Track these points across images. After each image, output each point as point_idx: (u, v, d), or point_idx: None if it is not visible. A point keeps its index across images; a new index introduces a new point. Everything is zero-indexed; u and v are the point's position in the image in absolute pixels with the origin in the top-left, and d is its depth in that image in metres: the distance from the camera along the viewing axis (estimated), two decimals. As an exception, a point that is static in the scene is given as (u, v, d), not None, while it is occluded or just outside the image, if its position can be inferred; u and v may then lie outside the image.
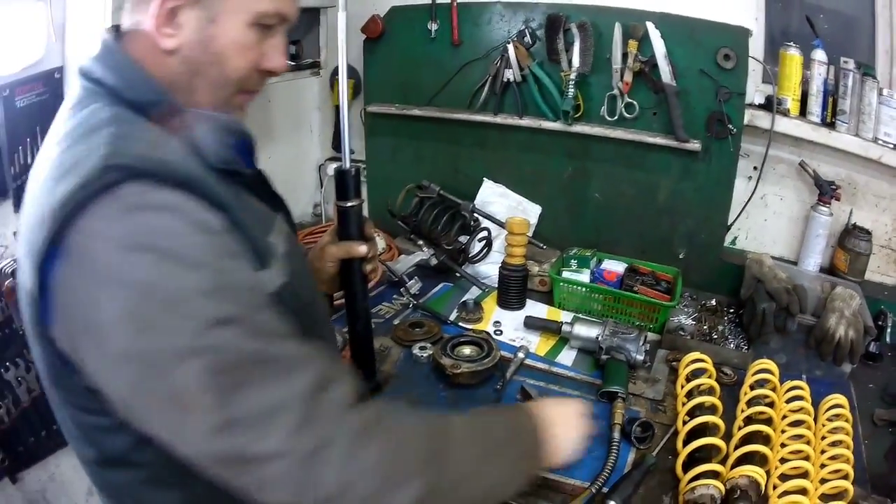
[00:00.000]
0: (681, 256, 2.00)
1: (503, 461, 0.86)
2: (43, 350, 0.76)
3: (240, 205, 0.81)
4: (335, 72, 2.54)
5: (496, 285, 1.92)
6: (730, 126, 1.81)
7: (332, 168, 2.64)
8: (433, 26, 2.14)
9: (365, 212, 2.70)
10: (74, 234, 0.67)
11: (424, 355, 1.60)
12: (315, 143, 2.75)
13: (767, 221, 2.05)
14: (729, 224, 1.97)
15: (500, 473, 0.85)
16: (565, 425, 0.96)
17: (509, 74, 2.03)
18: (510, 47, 2.00)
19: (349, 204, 1.12)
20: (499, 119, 2.09)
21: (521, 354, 1.60)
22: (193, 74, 0.83)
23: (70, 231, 0.67)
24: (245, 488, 0.69)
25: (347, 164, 1.12)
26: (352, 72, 2.46)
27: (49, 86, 1.62)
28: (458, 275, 2.01)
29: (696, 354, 1.47)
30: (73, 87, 0.85)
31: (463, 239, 2.06)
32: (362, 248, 1.12)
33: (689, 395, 1.38)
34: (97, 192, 0.68)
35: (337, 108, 2.59)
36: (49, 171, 0.74)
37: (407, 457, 0.75)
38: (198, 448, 0.69)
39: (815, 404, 1.36)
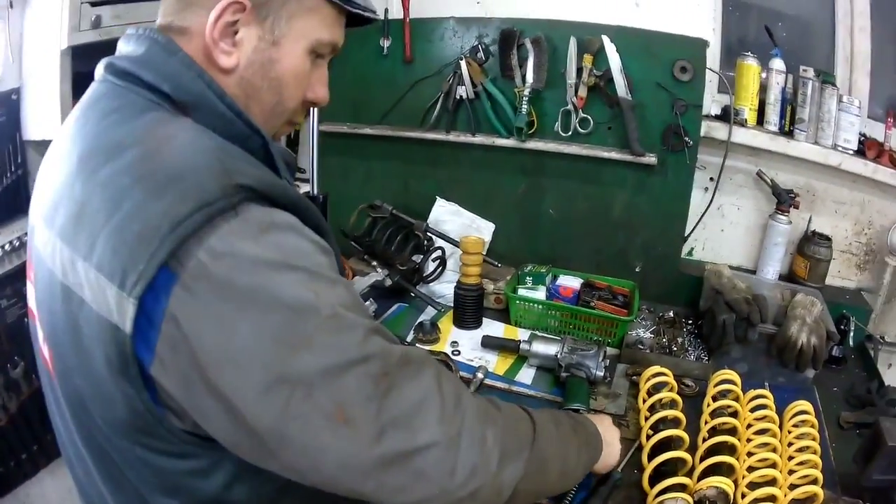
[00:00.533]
0: (637, 270, 2.03)
1: (574, 448, 1.03)
2: (124, 394, 0.67)
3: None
4: None
5: (452, 305, 1.91)
6: (686, 139, 1.85)
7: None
8: (385, 42, 2.14)
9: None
10: (201, 255, 0.63)
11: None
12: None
13: (725, 231, 2.10)
14: (686, 235, 2.01)
15: (572, 458, 1.02)
16: (612, 438, 1.19)
17: (462, 91, 2.04)
18: (463, 64, 2.01)
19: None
20: (451, 137, 2.10)
21: (479, 375, 1.59)
22: (249, 98, 0.81)
23: (193, 252, 0.63)
24: (397, 489, 0.72)
25: (315, 191, 1.08)
26: None
27: (6, 106, 1.59)
28: (413, 295, 2.00)
29: (656, 368, 1.48)
30: (112, 89, 0.78)
31: (417, 258, 2.06)
32: None
33: (652, 408, 1.39)
34: (223, 210, 0.65)
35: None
36: (120, 185, 0.67)
37: (515, 436, 0.87)
38: (359, 458, 0.69)
39: (780, 411, 1.37)
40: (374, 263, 2.06)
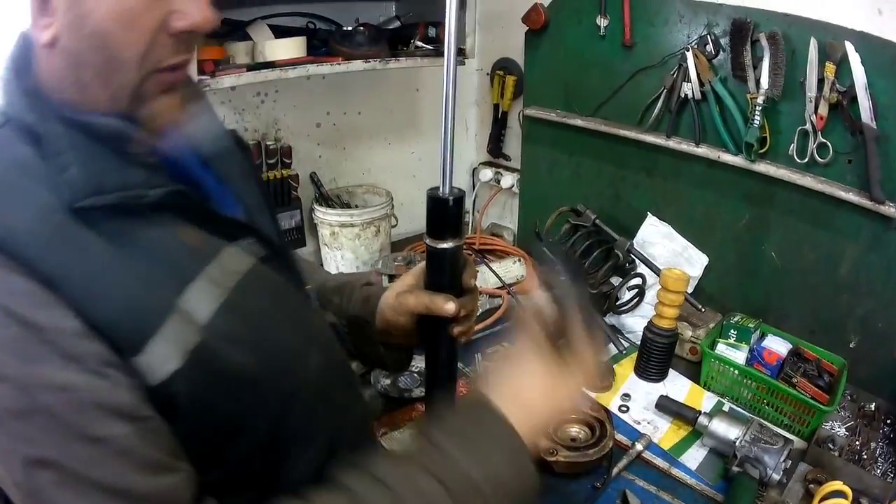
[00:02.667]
0: (852, 345, 1.92)
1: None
2: None
3: (123, 256, 0.77)
4: (498, 65, 2.69)
5: (637, 345, 1.97)
6: (942, 191, 1.69)
7: (485, 174, 2.84)
8: (602, 21, 2.19)
9: (512, 231, 2.88)
10: None
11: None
12: (470, 142, 2.94)
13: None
14: (917, 315, 1.86)
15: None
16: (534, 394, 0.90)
17: (687, 89, 2.03)
18: (689, 56, 1.99)
19: (443, 246, 0.98)
20: (672, 143, 2.10)
21: (639, 446, 1.64)
22: (77, 69, 0.78)
23: None
24: None
25: (447, 190, 0.98)
26: (513, 67, 2.61)
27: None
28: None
29: (837, 485, 1.43)
30: None
31: (614, 281, 2.14)
32: (449, 307, 1.02)
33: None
34: None
35: (496, 107, 2.75)
36: None
37: None
38: None
39: None
40: (563, 278, 2.18)
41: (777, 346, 1.90)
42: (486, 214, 2.95)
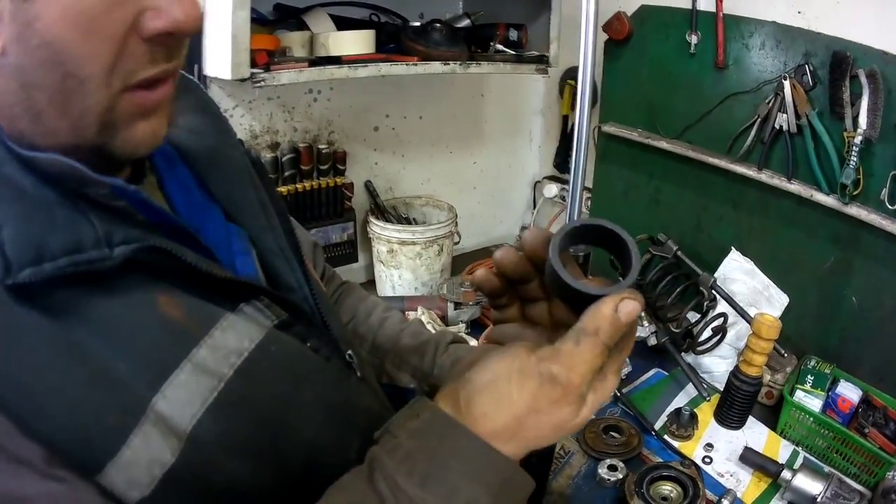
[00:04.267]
0: None
1: None
2: None
3: (72, 344, 0.65)
4: (568, 74, 2.81)
5: (717, 387, 2.10)
6: None
7: (550, 189, 2.96)
8: (693, 38, 2.31)
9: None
10: None
11: (612, 479, 1.75)
12: (534, 154, 3.08)
13: None
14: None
15: None
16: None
17: (782, 120, 2.12)
18: (787, 85, 2.09)
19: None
20: (763, 176, 2.21)
21: (726, 502, 1.74)
22: (27, 91, 0.65)
23: None
24: None
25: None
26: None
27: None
28: (678, 364, 2.21)
29: None
30: None
31: (692, 317, 2.28)
32: None
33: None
34: None
35: (565, 119, 2.87)
36: None
37: None
38: None
39: None
40: (642, 314, 2.34)
41: (850, 393, 2.05)
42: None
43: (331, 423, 0.87)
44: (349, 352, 1.00)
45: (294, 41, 1.96)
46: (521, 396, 0.71)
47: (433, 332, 1.33)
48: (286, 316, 0.86)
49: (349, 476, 0.74)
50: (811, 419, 1.99)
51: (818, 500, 1.72)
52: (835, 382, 2.09)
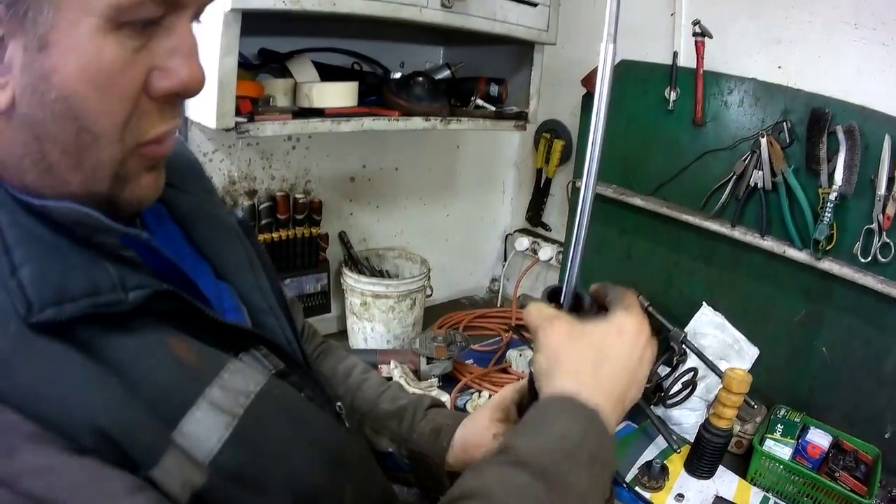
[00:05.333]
0: (887, 436, 2.11)
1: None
2: None
3: (101, 376, 0.67)
4: (543, 127, 2.86)
5: (687, 438, 2.13)
6: None
7: (521, 242, 2.98)
8: (672, 94, 2.35)
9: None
10: None
11: (588, 533, 1.84)
12: (506, 206, 3.12)
13: None
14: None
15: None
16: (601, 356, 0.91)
17: (757, 178, 2.17)
18: (763, 142, 2.13)
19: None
20: (736, 233, 2.25)
21: None
22: (40, 143, 0.68)
23: None
24: None
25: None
26: (562, 131, 2.77)
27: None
28: (647, 417, 2.17)
29: None
30: None
31: (661, 370, 2.28)
32: None
33: None
34: None
35: (539, 172, 2.91)
36: None
37: None
38: None
39: None
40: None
41: (820, 439, 2.10)
42: (520, 286, 3.10)
43: (328, 468, 0.89)
44: (339, 404, 1.05)
45: (277, 89, 1.97)
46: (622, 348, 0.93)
47: (411, 395, 1.36)
48: (283, 366, 0.90)
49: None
50: (781, 466, 2.04)
51: (788, 547, 1.76)
52: (805, 430, 2.14)
